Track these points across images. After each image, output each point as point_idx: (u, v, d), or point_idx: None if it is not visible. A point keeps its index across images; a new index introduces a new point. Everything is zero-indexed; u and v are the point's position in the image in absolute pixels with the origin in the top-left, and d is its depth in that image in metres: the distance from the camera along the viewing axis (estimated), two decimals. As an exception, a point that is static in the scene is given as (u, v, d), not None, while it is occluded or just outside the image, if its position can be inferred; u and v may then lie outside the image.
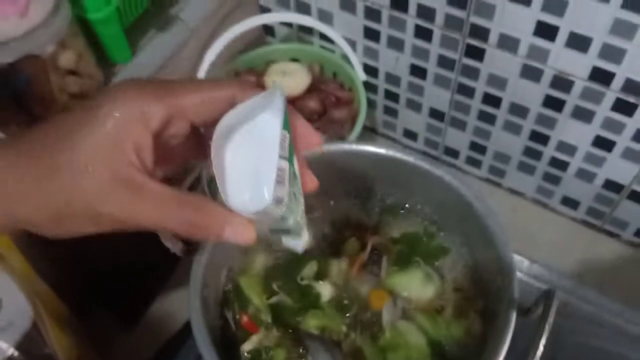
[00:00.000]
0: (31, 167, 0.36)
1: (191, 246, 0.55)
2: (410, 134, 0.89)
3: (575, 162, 0.76)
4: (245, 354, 0.57)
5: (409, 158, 0.58)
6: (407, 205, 0.62)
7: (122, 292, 0.78)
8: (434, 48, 0.73)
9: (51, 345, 0.64)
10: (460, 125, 0.82)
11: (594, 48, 0.63)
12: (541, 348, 0.43)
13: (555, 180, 0.81)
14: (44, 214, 0.36)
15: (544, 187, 0.83)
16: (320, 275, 0.60)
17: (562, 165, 0.78)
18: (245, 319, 0.59)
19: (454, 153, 0.87)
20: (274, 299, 0.59)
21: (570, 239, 0.82)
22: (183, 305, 0.76)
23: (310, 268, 0.59)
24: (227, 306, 0.59)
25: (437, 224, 0.62)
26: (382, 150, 0.58)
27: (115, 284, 0.77)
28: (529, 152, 0.79)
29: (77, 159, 0.35)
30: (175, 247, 0.54)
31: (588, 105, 0.69)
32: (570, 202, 0.82)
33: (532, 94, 0.71)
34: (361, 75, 0.81)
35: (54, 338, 0.64)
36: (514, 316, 0.49)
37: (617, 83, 0.64)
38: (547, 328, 0.43)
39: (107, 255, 0.74)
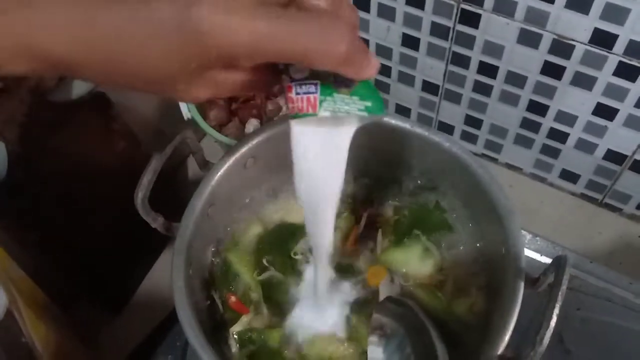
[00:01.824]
0: None
1: (172, 222, 0.52)
2: (403, 110, 0.85)
3: (575, 133, 0.73)
4: (235, 336, 0.54)
5: (405, 125, 0.54)
6: (403, 177, 0.59)
7: (105, 279, 0.74)
8: (427, 15, 0.70)
9: (28, 334, 0.60)
10: (455, 98, 0.79)
11: (596, 9, 0.59)
12: (554, 318, 0.40)
13: (553, 153, 0.78)
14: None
15: (542, 160, 0.80)
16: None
17: (561, 137, 0.75)
18: (233, 299, 0.55)
19: (448, 128, 0.84)
20: (265, 275, 0.55)
21: (570, 214, 0.80)
22: (169, 292, 0.73)
23: (305, 242, 0.56)
24: (214, 286, 0.56)
25: (436, 194, 0.58)
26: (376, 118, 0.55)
27: (97, 271, 0.73)
28: (527, 124, 0.76)
29: None
30: (156, 222, 0.51)
31: (589, 71, 0.66)
32: (569, 176, 0.79)
33: (530, 61, 0.68)
34: (351, 48, 0.78)
35: (30, 327, 0.61)
36: (521, 287, 0.45)
37: (620, 46, 0.61)
38: (561, 296, 0.40)
39: (88, 241, 0.70)
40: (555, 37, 0.64)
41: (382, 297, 0.54)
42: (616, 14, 0.59)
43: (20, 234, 0.66)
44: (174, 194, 0.79)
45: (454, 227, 0.57)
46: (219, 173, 0.53)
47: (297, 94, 0.39)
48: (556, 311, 0.40)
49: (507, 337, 0.43)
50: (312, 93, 0.39)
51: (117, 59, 0.33)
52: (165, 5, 0.31)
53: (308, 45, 0.33)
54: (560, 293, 0.40)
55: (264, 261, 0.56)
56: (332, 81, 0.38)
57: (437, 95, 0.80)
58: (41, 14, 0.31)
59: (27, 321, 0.60)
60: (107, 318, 0.73)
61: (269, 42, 0.32)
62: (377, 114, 0.39)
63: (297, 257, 0.56)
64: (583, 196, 0.81)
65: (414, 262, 0.55)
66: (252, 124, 0.76)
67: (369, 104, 0.39)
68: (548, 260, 0.67)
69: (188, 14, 0.31)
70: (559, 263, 0.43)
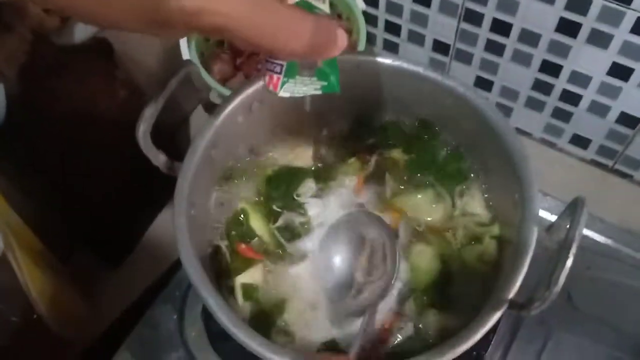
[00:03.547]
0: None
1: (174, 161, 0.50)
2: (411, 72, 0.83)
3: (588, 95, 0.71)
4: (239, 287, 0.52)
5: (417, 68, 0.52)
6: (416, 123, 0.57)
7: (106, 230, 0.73)
8: (441, -32, 0.68)
9: (23, 280, 0.59)
10: (466, 58, 0.77)
11: (616, -40, 0.58)
12: (571, 258, 0.38)
13: (565, 116, 0.76)
14: None
15: (553, 125, 0.78)
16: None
17: (574, 99, 0.73)
18: (243, 246, 0.53)
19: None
20: (280, 221, 0.54)
21: (579, 180, 0.78)
22: (171, 247, 0.72)
23: (308, 185, 0.55)
24: (220, 233, 0.54)
25: (448, 141, 0.56)
26: (388, 61, 0.53)
27: (98, 222, 0.71)
28: (539, 85, 0.74)
29: None
30: (158, 159, 0.49)
31: (605, 28, 0.64)
32: (580, 141, 0.78)
33: (545, 18, 0.66)
34: (360, 4, 0.76)
35: (27, 273, 0.59)
36: (535, 230, 0.44)
37: (639, 1, 0.59)
38: (578, 237, 0.39)
39: (88, 189, 0.69)
40: (573, -9, 0.62)
41: (402, 239, 0.53)
42: (637, -35, 0.57)
43: (18, 179, 0.64)
44: (174, 152, 0.78)
45: (466, 174, 0.55)
46: (224, 113, 0.52)
47: (266, 68, 0.43)
48: (573, 250, 0.38)
49: (520, 279, 0.42)
50: (277, 73, 0.42)
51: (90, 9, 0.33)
52: None
53: (269, 39, 0.34)
54: (578, 232, 0.39)
55: (274, 207, 0.55)
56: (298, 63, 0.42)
57: (447, 55, 0.78)
58: None
59: (23, 267, 0.59)
60: (107, 270, 0.72)
61: (232, 28, 0.33)
62: (332, 92, 0.43)
63: (299, 198, 0.55)
64: (593, 162, 0.79)
65: (425, 206, 0.54)
66: (257, 80, 0.74)
67: (325, 83, 0.43)
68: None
69: None
70: (575, 205, 0.41)
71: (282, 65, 0.42)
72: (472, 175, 0.55)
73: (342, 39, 0.37)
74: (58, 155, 0.65)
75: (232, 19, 0.33)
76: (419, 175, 0.55)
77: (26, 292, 0.59)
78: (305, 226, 0.54)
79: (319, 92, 0.43)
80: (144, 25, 0.33)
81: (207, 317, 0.60)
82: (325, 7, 0.40)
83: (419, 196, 0.54)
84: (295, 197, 0.55)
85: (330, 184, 0.56)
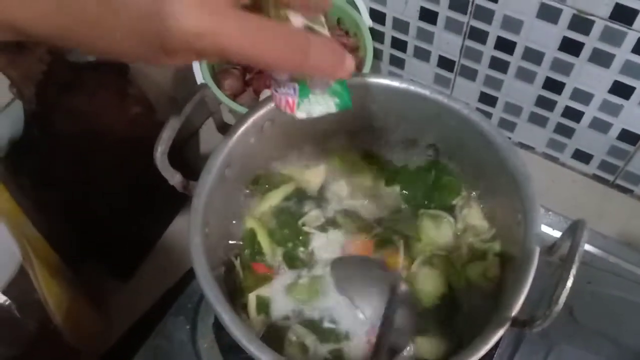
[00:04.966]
0: None
1: (190, 179, 0.52)
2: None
3: (590, 111, 0.73)
4: (254, 299, 0.54)
5: (424, 91, 0.54)
6: (421, 143, 0.59)
7: (117, 243, 0.74)
8: (446, -12, 0.70)
9: (41, 292, 0.61)
10: (471, 74, 0.78)
11: (618, -17, 0.59)
12: (571, 278, 0.40)
13: (567, 132, 0.77)
14: (75, 17, 0.31)
15: (556, 140, 0.80)
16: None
17: (576, 116, 0.75)
18: (257, 265, 0.55)
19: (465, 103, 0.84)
20: (282, 249, 0.56)
21: (581, 194, 0.80)
22: (181, 258, 0.73)
23: (315, 215, 0.57)
24: (233, 252, 0.56)
25: (451, 161, 0.58)
26: (395, 83, 0.55)
27: (109, 235, 0.73)
28: (542, 101, 0.76)
29: None
30: (174, 179, 0.51)
31: (607, 48, 0.65)
32: (582, 156, 0.79)
33: (548, 37, 0.68)
34: (367, 21, 0.78)
35: (44, 285, 0.61)
36: (537, 250, 0.45)
37: (641, 21, 0.61)
38: (578, 257, 0.40)
39: (100, 204, 0.71)
40: (575, 12, 0.64)
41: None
42: (638, -11, 0.59)
43: (34, 194, 0.66)
44: (184, 165, 0.80)
45: (459, 186, 0.57)
46: (237, 134, 0.53)
47: (278, 93, 0.43)
48: (573, 271, 0.40)
49: (522, 298, 0.44)
50: (291, 96, 0.43)
51: (89, 41, 0.33)
52: None
53: (271, 54, 0.34)
54: (578, 254, 0.40)
55: (279, 232, 0.57)
56: (308, 83, 0.42)
57: (452, 71, 0.80)
58: None
59: (41, 279, 0.61)
60: (118, 281, 0.73)
61: (235, 49, 0.33)
62: (346, 108, 0.44)
63: (304, 227, 0.56)
64: (595, 177, 0.81)
65: (431, 231, 0.55)
66: (265, 95, 0.76)
67: (338, 100, 0.43)
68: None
69: (160, 8, 0.31)
70: (576, 226, 0.43)
71: (295, 88, 0.43)
72: (473, 191, 0.57)
73: (349, 60, 0.38)
74: (71, 170, 0.67)
75: (233, 39, 0.33)
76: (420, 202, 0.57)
77: (44, 303, 0.61)
78: (307, 257, 0.56)
79: (334, 110, 0.44)
80: (146, 53, 0.33)
81: (219, 328, 0.61)
82: (326, 32, 0.41)
83: (424, 222, 0.56)
84: (300, 226, 0.56)
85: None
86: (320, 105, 0.43)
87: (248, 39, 0.33)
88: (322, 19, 0.41)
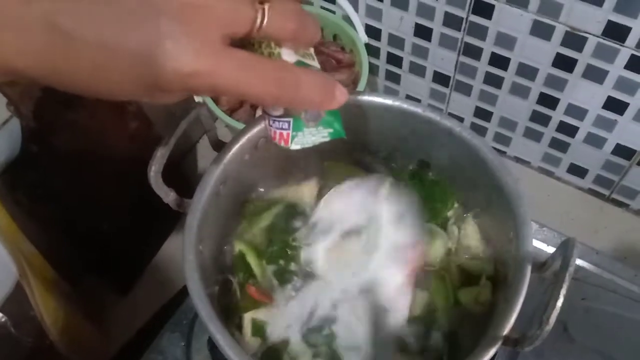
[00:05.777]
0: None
1: (187, 195, 0.52)
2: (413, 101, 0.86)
3: (585, 127, 0.73)
4: (249, 321, 0.54)
5: (417, 109, 0.55)
6: (414, 158, 0.59)
7: (113, 259, 0.75)
8: (440, 5, 0.70)
9: (37, 308, 0.61)
10: (466, 89, 0.79)
11: (610, 1, 0.60)
12: (562, 298, 0.40)
13: (562, 146, 0.78)
14: (73, 63, 0.31)
15: (551, 154, 0.80)
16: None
17: (571, 131, 0.75)
18: (251, 287, 0.55)
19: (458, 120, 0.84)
20: (273, 266, 0.56)
21: (577, 208, 0.80)
22: (177, 274, 0.74)
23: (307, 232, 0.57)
24: (226, 269, 0.56)
25: (443, 177, 0.59)
26: (388, 101, 0.55)
27: (106, 250, 0.74)
28: (536, 117, 0.76)
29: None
30: (168, 197, 0.51)
31: (600, 64, 0.66)
32: (577, 171, 0.80)
33: (542, 53, 0.69)
34: (363, 37, 0.78)
35: (40, 301, 0.61)
36: (529, 269, 0.46)
37: (633, 39, 0.62)
38: (568, 277, 0.41)
39: (98, 219, 0.71)
40: (568, 29, 0.64)
41: None
42: (630, 6, 0.59)
43: (32, 209, 0.66)
44: (181, 180, 0.80)
45: (459, 212, 0.57)
46: (232, 151, 0.54)
47: (273, 127, 0.44)
48: (563, 291, 0.40)
49: (513, 317, 0.44)
50: (285, 130, 0.44)
51: (85, 84, 0.33)
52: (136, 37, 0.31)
53: (263, 90, 0.35)
54: (568, 274, 0.41)
55: (270, 250, 0.57)
56: (302, 116, 0.44)
57: (447, 86, 0.80)
58: (17, 38, 0.31)
59: (37, 295, 0.61)
60: (115, 297, 0.74)
61: (229, 87, 0.34)
62: (338, 137, 0.45)
63: (295, 243, 0.57)
64: (590, 191, 0.81)
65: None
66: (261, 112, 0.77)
67: (331, 130, 0.45)
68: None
69: (155, 50, 0.31)
70: (566, 246, 0.43)
71: (289, 122, 0.44)
72: (465, 209, 0.57)
73: (340, 91, 0.39)
74: (70, 186, 0.68)
75: (227, 78, 0.33)
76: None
77: (39, 319, 0.61)
78: (298, 273, 0.56)
79: (327, 140, 0.45)
80: (141, 92, 0.33)
81: (213, 346, 0.61)
82: (316, 64, 0.42)
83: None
84: (291, 242, 0.57)
85: None
86: (313, 136, 0.45)
87: (242, 76, 0.34)
88: (312, 51, 0.42)
